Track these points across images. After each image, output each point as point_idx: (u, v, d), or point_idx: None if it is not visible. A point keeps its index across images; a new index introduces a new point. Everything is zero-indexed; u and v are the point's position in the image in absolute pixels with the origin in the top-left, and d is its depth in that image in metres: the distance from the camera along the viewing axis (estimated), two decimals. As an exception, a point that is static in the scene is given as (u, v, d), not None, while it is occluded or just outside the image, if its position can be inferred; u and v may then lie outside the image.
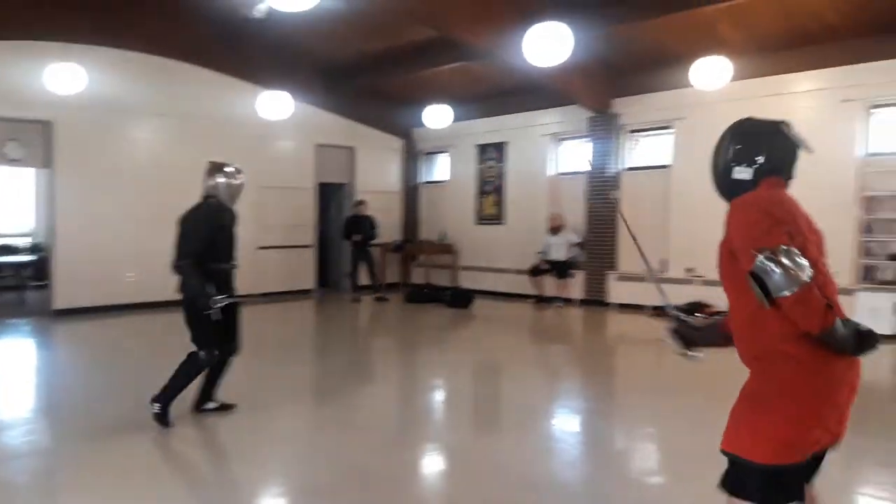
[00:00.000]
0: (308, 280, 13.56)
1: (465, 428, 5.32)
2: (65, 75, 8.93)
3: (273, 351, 8.30)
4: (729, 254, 2.31)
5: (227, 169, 5.06)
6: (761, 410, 2.22)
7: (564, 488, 4.03)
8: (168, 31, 10.95)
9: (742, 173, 2.44)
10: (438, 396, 6.50)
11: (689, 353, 2.69)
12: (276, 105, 10.31)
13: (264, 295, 12.50)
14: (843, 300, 7.52)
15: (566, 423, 5.60)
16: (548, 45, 6.85)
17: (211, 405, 5.18)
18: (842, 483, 3.99)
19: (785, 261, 2.04)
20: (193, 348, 4.87)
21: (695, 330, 2.71)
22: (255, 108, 10.86)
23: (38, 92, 9.66)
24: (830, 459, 2.36)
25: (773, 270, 2.04)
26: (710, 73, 8.57)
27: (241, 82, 12.08)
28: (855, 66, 8.92)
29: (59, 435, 5.02)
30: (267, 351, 8.13)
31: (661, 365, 8.41)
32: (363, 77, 12.67)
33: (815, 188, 9.14)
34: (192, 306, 4.79)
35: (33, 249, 13.06)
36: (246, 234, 12.43)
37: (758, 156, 2.44)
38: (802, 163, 8.57)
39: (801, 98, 9.61)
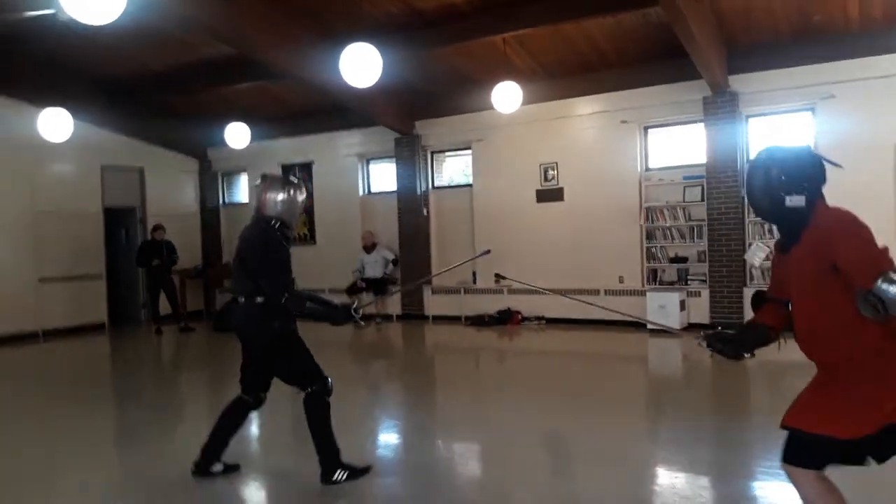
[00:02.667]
0: (99, 313, 12.42)
1: (288, 453, 5.11)
2: None
3: (64, 397, 7.40)
4: (823, 268, 2.54)
5: (292, 182, 4.22)
6: (840, 399, 2.56)
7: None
8: None
9: (796, 201, 2.65)
10: (257, 420, 6.21)
11: (745, 356, 2.93)
12: (54, 124, 9.33)
13: (49, 332, 11.29)
14: (634, 301, 8.36)
15: (388, 437, 5.64)
16: (359, 67, 6.87)
17: (218, 467, 4.31)
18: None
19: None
20: (296, 393, 4.17)
21: (735, 339, 2.95)
22: (30, 129, 9.75)
23: None
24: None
25: (893, 292, 2.36)
26: (505, 97, 9.10)
27: (12, 101, 10.87)
28: (629, 91, 9.97)
29: None
30: (56, 398, 7.31)
31: (479, 369, 8.80)
32: (151, 95, 11.92)
33: (605, 202, 10.24)
34: (276, 344, 4.06)
35: None
36: (23, 265, 11.28)
37: (804, 181, 2.65)
38: (593, 178, 9.41)
39: (585, 120, 10.55)
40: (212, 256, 14.24)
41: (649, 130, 10.32)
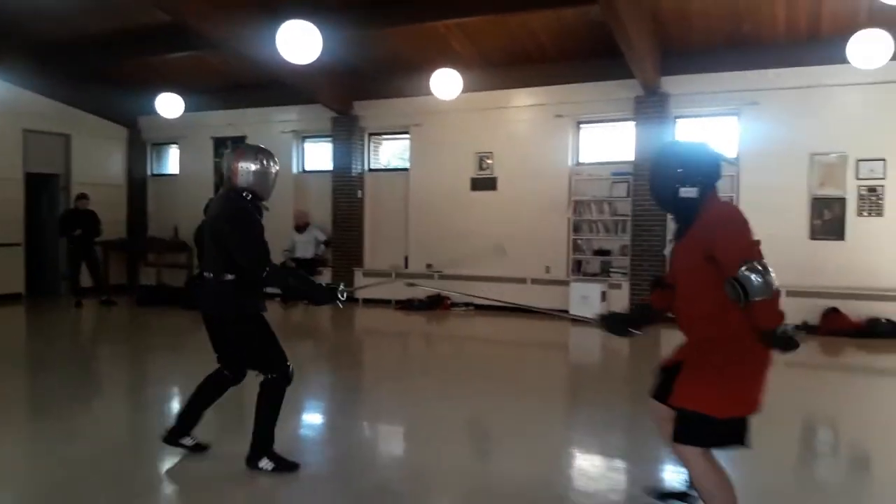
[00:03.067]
0: (16, 283, 11.98)
1: (209, 429, 5.08)
2: None
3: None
4: (704, 257, 2.80)
5: (266, 151, 3.95)
6: (719, 378, 2.82)
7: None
8: None
9: (689, 192, 2.91)
10: (176, 404, 6.15)
11: (634, 332, 3.34)
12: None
13: (-39, 301, 10.85)
14: (558, 291, 8.57)
15: (313, 418, 5.64)
16: (300, 43, 6.82)
17: (188, 441, 4.16)
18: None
19: (762, 271, 2.59)
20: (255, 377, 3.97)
21: (625, 319, 3.41)
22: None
23: None
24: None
25: (754, 279, 2.59)
26: (445, 84, 9.18)
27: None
28: (566, 86, 10.19)
29: None
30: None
31: (406, 353, 8.90)
32: (84, 59, 11.45)
33: (537, 193, 10.44)
34: (245, 326, 3.87)
35: None
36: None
37: (698, 175, 2.91)
38: (526, 170, 9.57)
39: (521, 112, 10.74)
40: (137, 229, 13.85)
41: (581, 126, 10.58)
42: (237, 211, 3.76)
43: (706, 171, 2.95)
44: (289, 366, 3.93)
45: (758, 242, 2.74)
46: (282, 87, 11.45)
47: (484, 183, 11.02)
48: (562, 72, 10.09)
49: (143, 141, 14.01)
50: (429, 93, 9.55)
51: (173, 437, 4.12)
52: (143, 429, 5.10)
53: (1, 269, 11.70)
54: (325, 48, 7.51)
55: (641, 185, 9.82)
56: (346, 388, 6.65)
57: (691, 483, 3.20)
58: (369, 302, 11.66)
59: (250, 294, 3.85)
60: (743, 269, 2.61)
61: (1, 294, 11.60)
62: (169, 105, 11.23)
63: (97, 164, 13.28)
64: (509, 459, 4.45)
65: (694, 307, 2.93)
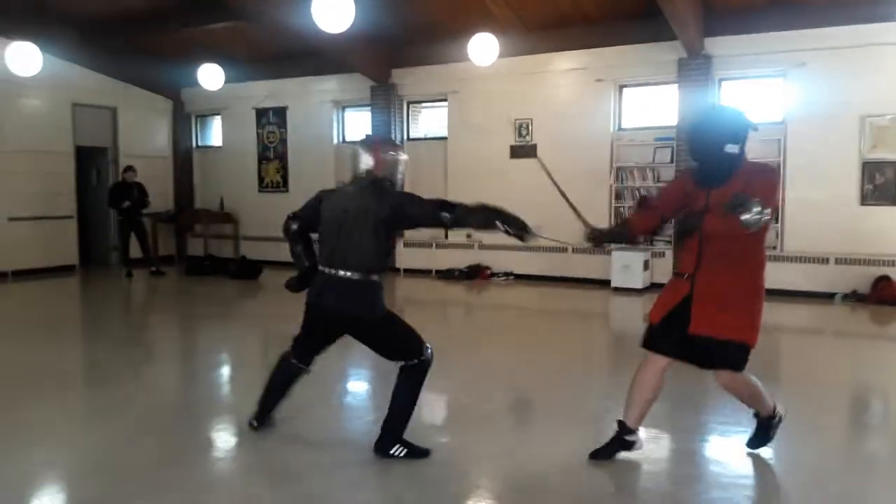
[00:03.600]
0: (70, 255, 12.36)
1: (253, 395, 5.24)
2: None
3: (37, 334, 7.49)
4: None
5: (396, 145, 4.08)
6: (749, 307, 3.44)
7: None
8: None
9: (732, 149, 3.40)
10: (228, 371, 6.35)
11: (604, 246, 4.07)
12: (23, 58, 9.16)
13: (19, 273, 11.27)
14: (599, 259, 8.51)
15: (357, 386, 5.75)
16: (332, 11, 6.81)
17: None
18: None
19: (763, 217, 3.16)
20: (395, 365, 3.83)
21: (604, 234, 4.04)
22: (5, 62, 9.57)
23: None
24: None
25: (754, 218, 3.13)
26: (482, 49, 9.06)
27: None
28: (606, 49, 9.96)
29: None
30: (30, 334, 7.39)
31: (447, 323, 8.96)
32: (126, 32, 11.61)
33: (577, 160, 10.29)
34: (386, 321, 3.81)
35: None
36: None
37: (741, 135, 3.42)
38: (566, 136, 9.48)
39: (561, 77, 10.54)
40: (184, 201, 14.14)
41: (624, 90, 10.34)
42: (394, 191, 3.75)
43: (744, 133, 3.44)
44: (429, 348, 3.83)
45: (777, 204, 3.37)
46: (321, 56, 11.47)
47: (523, 150, 10.88)
48: (602, 34, 9.83)
49: (187, 113, 14.21)
50: (466, 59, 9.45)
51: (259, 422, 4.15)
52: (196, 395, 5.31)
53: (55, 241, 12.08)
54: (362, 16, 7.46)
55: (685, 150, 9.60)
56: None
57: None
58: (410, 272, 11.74)
59: (381, 289, 3.80)
60: (760, 209, 3.14)
61: (56, 266, 12.02)
62: (210, 76, 11.34)
63: (144, 136, 13.54)
64: (550, 432, 4.39)
65: (733, 244, 3.36)
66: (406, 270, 11.79)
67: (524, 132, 10.90)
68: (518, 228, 3.66)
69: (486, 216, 3.69)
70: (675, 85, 9.63)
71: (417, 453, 3.80)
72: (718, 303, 3.39)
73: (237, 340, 7.44)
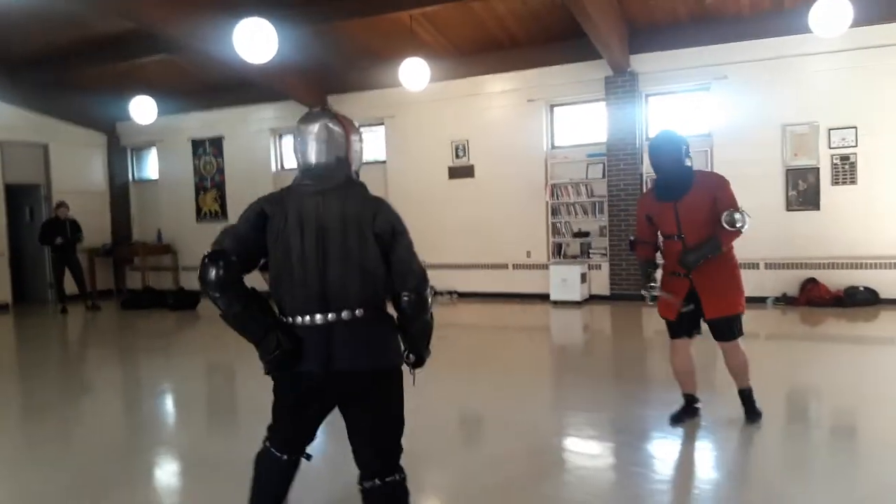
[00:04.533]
0: (2, 292, 12.00)
1: (198, 428, 5.15)
2: None
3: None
4: (712, 204, 4.10)
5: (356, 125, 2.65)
6: (736, 285, 4.25)
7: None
8: None
9: (688, 162, 4.19)
10: (168, 401, 6.21)
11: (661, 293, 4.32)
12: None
13: (-54, 315, 10.89)
14: (538, 274, 8.60)
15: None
16: (256, 41, 6.82)
17: None
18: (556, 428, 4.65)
19: (743, 212, 4.05)
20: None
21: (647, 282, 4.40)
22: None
23: None
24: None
25: (741, 218, 4.02)
26: (413, 74, 9.15)
27: None
28: (537, 70, 10.17)
29: None
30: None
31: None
32: (53, 69, 11.43)
33: (514, 178, 10.43)
34: (398, 379, 2.56)
35: None
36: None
37: (689, 152, 4.19)
38: (502, 156, 9.59)
39: (494, 98, 10.72)
40: (122, 234, 13.87)
41: (555, 109, 10.56)
42: (395, 212, 2.54)
43: (688, 148, 4.21)
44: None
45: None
46: (255, 85, 11.45)
47: (461, 171, 11.02)
48: (532, 56, 10.06)
49: (122, 146, 14.01)
50: (401, 84, 9.54)
51: None
52: (134, 428, 5.19)
53: (-14, 280, 11.73)
54: (293, 44, 7.50)
55: (616, 164, 9.82)
56: None
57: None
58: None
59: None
60: (740, 211, 4.06)
61: (-15, 304, 11.64)
62: (143, 109, 11.20)
63: (77, 171, 13.28)
64: (499, 442, 4.42)
65: (710, 237, 4.12)
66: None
67: (461, 153, 11.01)
68: (415, 361, 2.67)
69: (424, 322, 2.66)
70: (604, 102, 9.86)
71: None
72: (715, 290, 4.19)
73: (174, 371, 7.29)
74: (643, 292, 4.32)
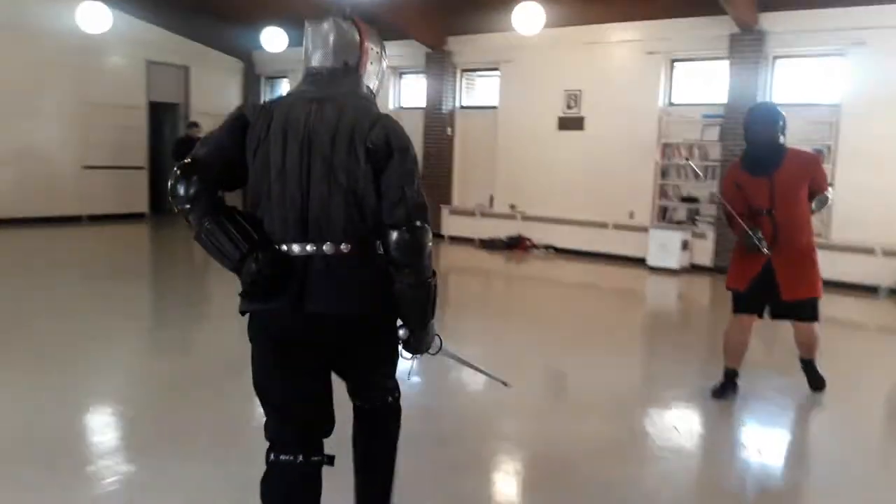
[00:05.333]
0: (141, 203, 13.18)
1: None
2: None
3: (99, 275, 8.19)
4: (804, 182, 4.13)
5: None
6: (817, 269, 4.22)
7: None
8: None
9: (783, 139, 4.15)
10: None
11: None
12: (93, 17, 9.76)
13: (93, 217, 12.12)
14: (637, 237, 8.38)
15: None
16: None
17: None
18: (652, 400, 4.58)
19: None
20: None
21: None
22: (76, 20, 10.22)
23: None
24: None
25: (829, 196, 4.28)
26: (526, 18, 8.97)
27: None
28: (659, 22, 9.66)
29: None
30: (92, 275, 8.13)
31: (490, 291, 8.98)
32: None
33: (625, 134, 10.09)
34: (390, 324, 2.21)
35: None
36: (70, 152, 11.99)
37: (786, 128, 4.16)
38: (614, 109, 9.37)
39: (612, 48, 10.32)
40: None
41: (675, 64, 10.01)
42: (399, 127, 2.15)
43: (786, 125, 4.18)
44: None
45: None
46: (378, 22, 11.59)
47: (571, 122, 10.77)
48: (654, 6, 9.52)
49: (257, 74, 14.73)
50: (514, 28, 9.37)
51: None
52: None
53: (128, 190, 12.90)
54: None
55: (733, 129, 9.21)
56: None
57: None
58: (455, 240, 11.86)
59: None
60: (831, 189, 4.28)
61: (128, 213, 12.82)
62: (274, 39, 11.74)
63: (214, 94, 14.11)
64: (585, 412, 4.30)
65: (798, 217, 4.14)
66: (452, 238, 11.92)
67: (572, 104, 10.75)
68: (416, 347, 2.23)
69: (421, 282, 2.11)
70: (727, 61, 9.25)
71: None
72: (796, 271, 4.15)
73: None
74: (756, 242, 4.02)
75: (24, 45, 11.00)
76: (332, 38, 2.18)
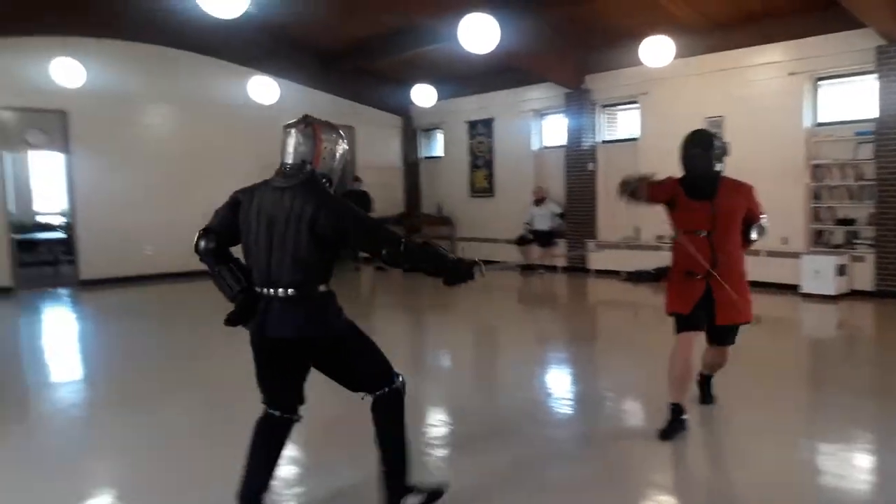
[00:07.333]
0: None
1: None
2: (67, 69, 10.11)
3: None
4: (740, 210, 4.23)
5: (341, 132, 3.18)
6: (748, 294, 4.30)
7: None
8: (164, 21, 11.36)
9: (719, 166, 4.25)
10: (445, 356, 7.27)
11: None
12: (263, 89, 11.21)
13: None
14: (788, 263, 9.54)
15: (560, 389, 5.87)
16: (478, 34, 7.51)
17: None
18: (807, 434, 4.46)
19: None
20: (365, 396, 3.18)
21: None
22: (248, 93, 11.78)
23: (50, 84, 10.52)
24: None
25: (765, 225, 4.36)
26: (656, 52, 9.09)
27: (240, 67, 12.85)
28: (796, 41, 9.36)
29: (93, 400, 5.63)
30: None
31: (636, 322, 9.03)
32: (356, 60, 13.46)
33: (767, 158, 9.86)
34: (349, 340, 3.13)
35: (65, 226, 14.31)
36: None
37: (722, 155, 4.27)
38: (758, 133, 9.41)
39: (751, 72, 10.09)
40: (412, 205, 15.82)
41: (819, 83, 9.59)
42: (338, 198, 3.00)
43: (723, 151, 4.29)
44: (399, 375, 3.21)
45: None
46: (519, 70, 12.21)
47: (715, 150, 10.57)
48: (791, 26, 9.27)
49: (414, 128, 15.87)
50: (643, 62, 9.52)
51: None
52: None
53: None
54: (551, 26, 7.84)
55: (886, 145, 8.71)
56: (583, 359, 6.75)
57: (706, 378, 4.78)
58: (603, 273, 11.95)
59: (336, 303, 3.11)
60: (764, 219, 4.35)
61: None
62: (424, 95, 12.67)
63: (377, 149, 15.41)
64: (754, 450, 4.10)
65: (730, 241, 4.22)
66: (598, 271, 12.03)
67: (715, 131, 10.52)
68: (454, 277, 3.07)
69: (417, 262, 3.05)
70: (874, 75, 8.74)
71: (435, 495, 3.27)
72: (730, 298, 4.15)
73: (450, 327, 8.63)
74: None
75: (209, 115, 12.74)
76: (294, 142, 3.02)
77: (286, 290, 2.94)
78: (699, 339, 4.35)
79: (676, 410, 4.24)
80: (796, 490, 3.59)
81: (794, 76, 9.58)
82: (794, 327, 8.45)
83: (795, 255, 9.58)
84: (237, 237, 3.07)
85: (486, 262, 3.21)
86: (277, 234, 2.92)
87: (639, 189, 4.11)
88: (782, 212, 9.81)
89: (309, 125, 3.02)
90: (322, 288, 3.01)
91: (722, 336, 4.36)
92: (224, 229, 3.09)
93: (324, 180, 3.03)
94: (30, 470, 4.01)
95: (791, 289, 9.45)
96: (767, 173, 9.86)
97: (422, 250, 3.05)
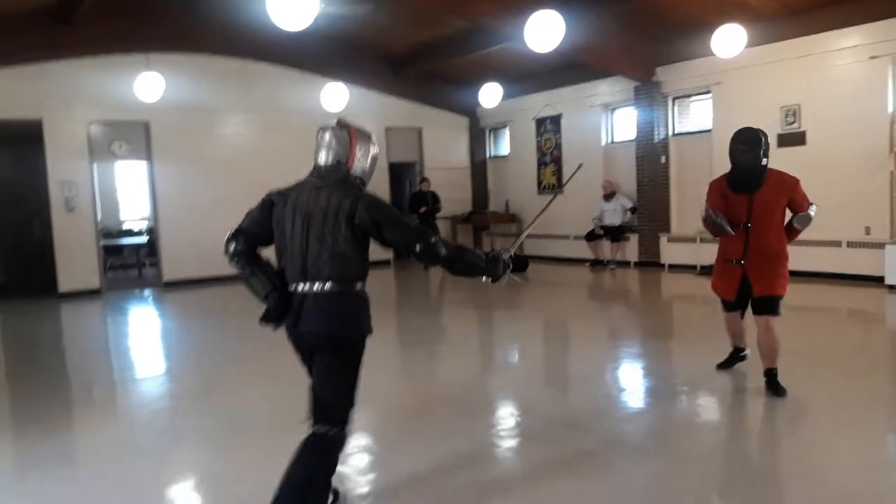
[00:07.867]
0: (387, 251, 14.75)
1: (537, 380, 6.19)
2: (150, 83, 10.63)
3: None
4: (783, 202, 4.71)
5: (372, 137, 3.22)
6: (784, 272, 4.76)
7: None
8: (239, 35, 11.95)
9: (765, 161, 4.68)
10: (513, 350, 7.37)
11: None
12: (334, 96, 11.50)
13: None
14: (872, 254, 9.54)
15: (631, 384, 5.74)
16: (542, 32, 7.50)
17: None
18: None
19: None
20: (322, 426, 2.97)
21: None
22: (320, 100, 12.09)
23: (133, 98, 11.12)
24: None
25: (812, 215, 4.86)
26: (728, 41, 8.88)
27: (312, 76, 13.21)
28: (877, 24, 8.97)
29: (176, 392, 5.91)
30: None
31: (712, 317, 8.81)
32: (423, 63, 13.65)
33: (848, 145, 9.49)
34: (358, 349, 3.06)
35: (148, 232, 15.03)
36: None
37: (768, 150, 4.71)
38: (838, 120, 9.16)
39: (829, 57, 9.72)
40: (479, 204, 15.87)
41: (904, 64, 9.15)
42: (373, 194, 3.05)
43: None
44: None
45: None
46: (586, 65, 12.10)
47: (791, 138, 10.22)
48: (869, 7, 8.88)
49: (482, 127, 15.92)
50: (714, 52, 9.31)
51: None
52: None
53: (375, 240, 14.61)
54: (615, 23, 7.82)
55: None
56: (656, 354, 6.64)
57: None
58: (675, 267, 11.73)
59: (369, 304, 3.12)
60: (813, 207, 4.85)
61: (377, 260, 14.44)
62: (489, 95, 12.73)
63: (445, 150, 15.55)
64: (834, 446, 4.00)
65: (772, 231, 4.74)
66: (671, 266, 11.80)
67: (791, 119, 10.23)
68: (492, 274, 3.16)
69: (451, 263, 3.04)
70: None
71: None
72: (766, 275, 4.72)
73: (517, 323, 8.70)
74: (720, 222, 4.71)
75: (283, 123, 13.07)
76: (329, 144, 3.07)
77: (323, 285, 2.97)
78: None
79: (736, 349, 5.31)
80: (881, 487, 3.47)
81: (875, 59, 9.18)
82: (879, 320, 8.09)
83: (880, 246, 9.17)
84: (268, 238, 3.12)
85: (514, 272, 3.42)
86: (315, 230, 2.96)
87: (716, 228, 4.79)
88: (865, 201, 9.50)
89: (344, 127, 3.08)
90: (358, 286, 3.04)
91: (762, 305, 4.77)
92: (255, 230, 3.12)
93: (359, 181, 3.10)
94: (120, 456, 4.28)
95: (876, 280, 9.05)
96: (849, 161, 9.58)
97: (456, 248, 3.08)
